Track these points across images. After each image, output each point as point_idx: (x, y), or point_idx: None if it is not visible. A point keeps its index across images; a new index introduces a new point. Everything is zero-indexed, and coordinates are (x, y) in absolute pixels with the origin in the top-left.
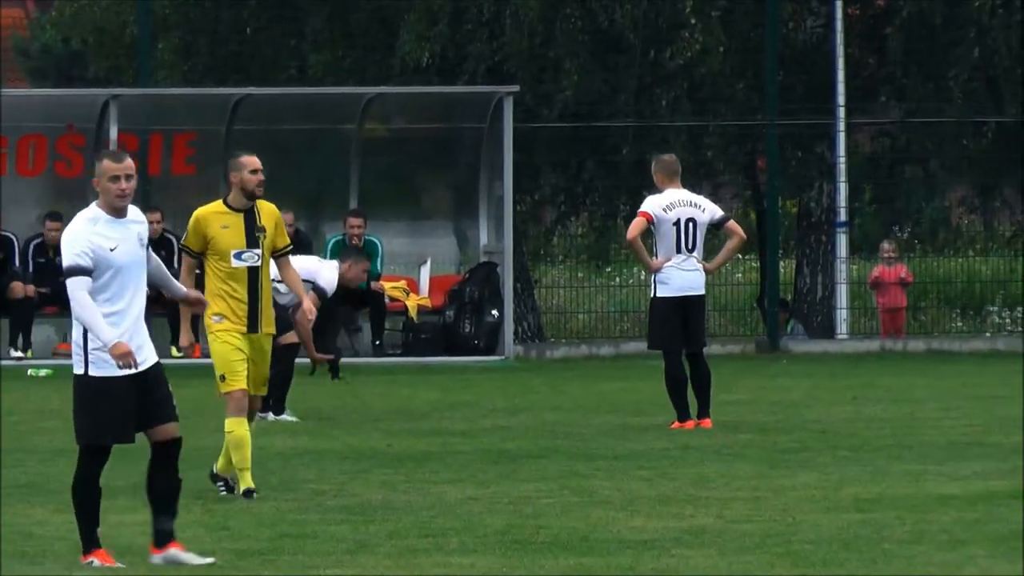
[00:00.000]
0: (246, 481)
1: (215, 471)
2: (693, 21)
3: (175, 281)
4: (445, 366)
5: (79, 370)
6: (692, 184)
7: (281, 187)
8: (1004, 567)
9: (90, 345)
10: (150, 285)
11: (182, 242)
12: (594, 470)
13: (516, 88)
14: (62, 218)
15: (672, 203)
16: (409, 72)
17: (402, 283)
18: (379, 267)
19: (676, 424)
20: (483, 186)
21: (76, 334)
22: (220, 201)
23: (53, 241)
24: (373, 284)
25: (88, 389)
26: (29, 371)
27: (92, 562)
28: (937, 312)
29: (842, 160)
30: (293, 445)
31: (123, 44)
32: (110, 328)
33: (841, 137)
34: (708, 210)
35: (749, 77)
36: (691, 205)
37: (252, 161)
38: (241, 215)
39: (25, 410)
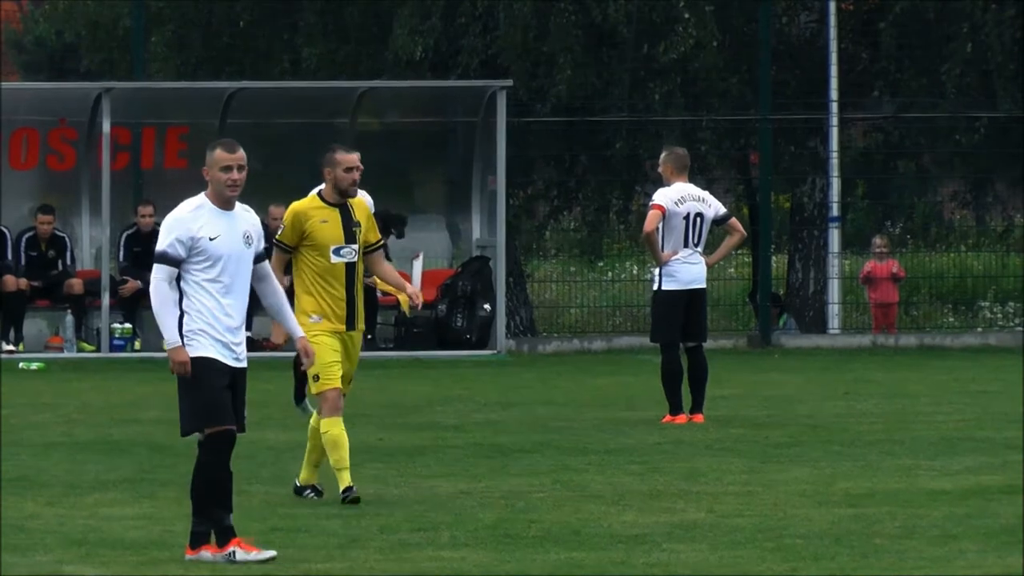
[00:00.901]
0: (344, 480)
1: (298, 484)
2: (687, 15)
3: (291, 314)
4: (437, 360)
5: None
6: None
7: (274, 181)
8: (995, 562)
9: (185, 328)
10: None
11: (277, 236)
12: (586, 464)
13: (510, 82)
14: (53, 211)
15: (683, 197)
16: (402, 66)
17: None
18: None
19: (668, 418)
20: (476, 180)
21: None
22: (314, 195)
23: (44, 234)
24: (366, 279)
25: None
26: (21, 364)
27: (234, 551)
28: (929, 307)
29: (835, 155)
30: (285, 439)
31: (116, 38)
32: (175, 329)
33: (834, 132)
34: (713, 206)
35: (743, 72)
36: (699, 200)
37: (347, 159)
38: (337, 210)
39: (17, 403)
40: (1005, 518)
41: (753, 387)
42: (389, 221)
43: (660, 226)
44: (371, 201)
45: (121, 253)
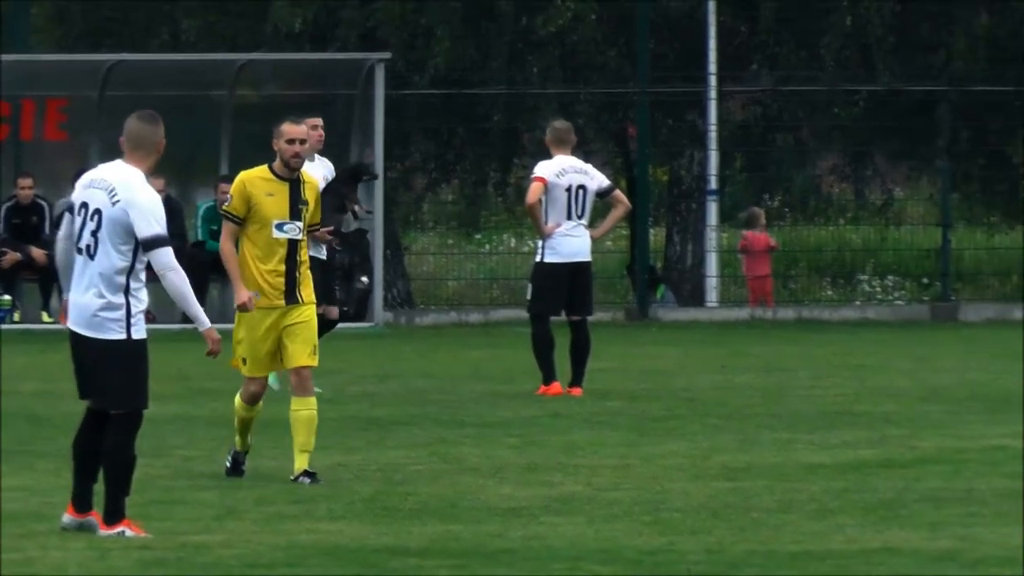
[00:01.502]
0: (236, 449)
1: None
2: None
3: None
4: None
5: (119, 335)
6: None
7: None
8: (873, 536)
9: (133, 309)
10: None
11: (225, 207)
12: (463, 437)
13: (388, 55)
14: None
15: (564, 169)
16: (281, 38)
17: None
18: None
19: (542, 388)
20: (354, 152)
21: (116, 299)
22: (265, 167)
23: None
24: (322, 243)
25: (134, 355)
26: None
27: (123, 531)
28: (807, 281)
29: (713, 128)
30: (163, 412)
31: None
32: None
33: (712, 105)
34: (596, 178)
35: (621, 45)
36: (581, 172)
37: (292, 130)
38: (287, 184)
39: None
40: (883, 492)
41: (630, 360)
42: (358, 171)
43: (543, 198)
44: (331, 167)
45: (0, 225)
